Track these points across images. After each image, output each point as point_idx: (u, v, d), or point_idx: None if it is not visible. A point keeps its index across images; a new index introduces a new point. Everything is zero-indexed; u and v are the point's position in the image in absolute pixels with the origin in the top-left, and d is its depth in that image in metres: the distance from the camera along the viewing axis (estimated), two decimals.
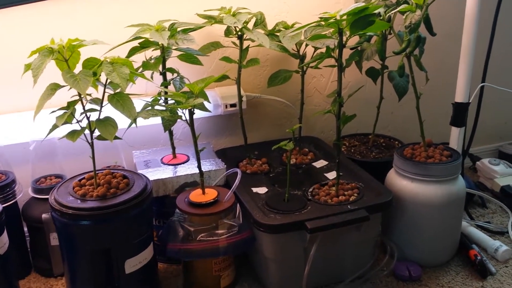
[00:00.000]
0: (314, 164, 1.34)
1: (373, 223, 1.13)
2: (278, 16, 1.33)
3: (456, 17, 1.36)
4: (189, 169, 1.20)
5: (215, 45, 1.25)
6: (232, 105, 1.34)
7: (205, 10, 1.22)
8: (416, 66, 1.24)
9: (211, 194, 1.11)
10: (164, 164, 1.24)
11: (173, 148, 1.25)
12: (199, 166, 1.09)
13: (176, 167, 1.22)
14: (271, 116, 1.49)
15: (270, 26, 1.28)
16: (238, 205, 1.12)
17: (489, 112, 1.67)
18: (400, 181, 1.21)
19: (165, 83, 1.17)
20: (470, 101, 1.34)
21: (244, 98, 1.33)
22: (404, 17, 1.13)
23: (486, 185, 1.62)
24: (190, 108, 1.02)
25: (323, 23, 1.04)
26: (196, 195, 1.11)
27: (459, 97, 1.34)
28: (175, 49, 1.17)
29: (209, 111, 1.11)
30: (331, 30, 1.07)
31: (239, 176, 1.12)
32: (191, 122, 1.05)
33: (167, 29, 1.11)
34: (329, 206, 1.12)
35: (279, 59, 1.42)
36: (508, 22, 1.65)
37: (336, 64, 1.09)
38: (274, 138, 1.45)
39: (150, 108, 1.08)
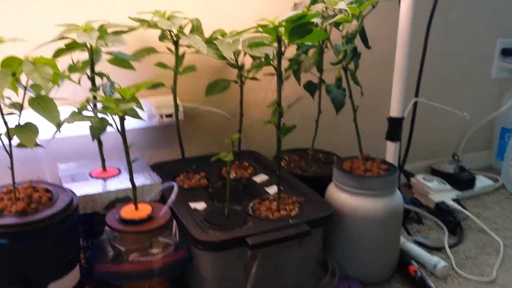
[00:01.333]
0: (254, 178, 1.32)
1: (315, 239, 1.12)
2: (216, 25, 1.31)
3: (390, 34, 1.41)
4: (121, 183, 1.12)
5: (149, 50, 1.20)
6: (168, 116, 1.29)
7: (138, 13, 1.18)
8: (352, 80, 1.26)
9: (144, 210, 1.04)
10: (93, 178, 1.15)
11: (103, 160, 1.17)
12: (131, 179, 1.02)
13: (106, 181, 1.14)
14: (209, 129, 1.46)
15: (207, 35, 1.26)
16: (174, 221, 1.06)
17: (422, 129, 1.75)
18: (339, 195, 1.21)
19: (94, 88, 1.10)
20: (404, 116, 1.39)
21: (181, 108, 1.29)
22: (340, 27, 1.15)
23: (421, 201, 1.67)
24: (120, 114, 0.96)
25: (260, 29, 1.03)
26: (128, 211, 1.04)
27: (394, 112, 1.38)
28: (105, 53, 1.11)
29: (142, 119, 1.06)
30: (270, 38, 1.07)
31: (175, 190, 1.06)
32: (122, 130, 0.98)
33: (96, 30, 1.05)
34: (270, 221, 1.09)
35: (218, 69, 1.39)
36: (439, 38, 1.75)
37: (275, 72, 1.08)
38: (213, 151, 1.40)
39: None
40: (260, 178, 1.32)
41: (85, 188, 1.09)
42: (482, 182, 1.83)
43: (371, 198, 1.18)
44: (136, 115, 1.03)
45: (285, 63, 1.21)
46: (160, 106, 1.29)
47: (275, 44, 1.06)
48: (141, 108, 1.05)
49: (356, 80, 1.26)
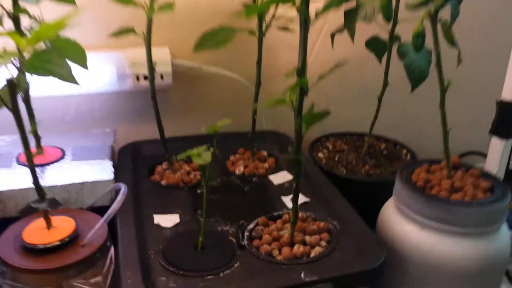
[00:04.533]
0: (272, 177, 0.83)
1: None
2: None
3: None
4: (54, 174, 0.69)
5: None
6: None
7: None
8: (444, 38, 0.70)
9: (61, 229, 0.60)
10: (20, 163, 0.73)
11: (37, 138, 0.74)
12: (33, 175, 0.57)
13: (40, 168, 0.72)
14: (218, 99, 0.96)
15: None
16: (111, 251, 0.62)
17: None
18: (401, 225, 0.69)
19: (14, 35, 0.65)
20: None
21: (167, 68, 0.82)
22: None
23: None
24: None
25: None
26: (34, 231, 0.60)
27: (508, 93, 0.80)
28: None
29: (76, 83, 0.59)
30: None
31: (120, 197, 0.61)
32: (12, 103, 0.53)
33: None
34: (271, 267, 0.60)
35: (231, 12, 0.88)
36: None
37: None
38: (223, 130, 0.93)
39: None
40: (281, 177, 0.82)
41: None
42: None
43: (458, 239, 0.65)
44: (63, 75, 0.57)
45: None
46: (137, 63, 0.82)
47: None
48: (82, 62, 0.59)
49: (451, 37, 0.70)
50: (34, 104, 0.70)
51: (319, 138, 0.98)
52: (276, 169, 0.85)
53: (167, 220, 0.69)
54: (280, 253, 0.63)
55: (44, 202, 0.57)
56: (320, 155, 0.92)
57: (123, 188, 0.63)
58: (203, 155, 0.58)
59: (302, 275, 0.57)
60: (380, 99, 0.87)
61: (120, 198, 0.61)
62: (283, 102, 0.58)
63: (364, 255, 0.62)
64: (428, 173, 0.72)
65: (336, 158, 0.92)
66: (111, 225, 0.64)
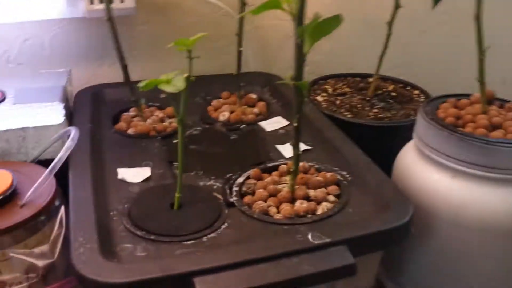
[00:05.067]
0: (263, 123, 0.69)
1: (365, 271, 0.50)
2: None
3: None
4: None
5: None
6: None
7: None
8: None
9: None
10: None
11: None
12: None
13: None
14: (195, 33, 0.81)
15: None
16: (62, 212, 0.48)
17: None
18: (426, 173, 0.56)
19: None
20: None
21: None
22: None
23: None
24: None
25: None
26: None
27: None
28: None
29: None
30: None
31: (69, 144, 0.47)
32: None
33: None
34: (268, 227, 0.47)
35: None
36: None
37: None
38: (201, 72, 0.79)
39: None
40: (275, 124, 0.69)
41: None
42: None
43: (499, 188, 0.52)
44: None
45: None
46: None
47: None
48: None
49: None
50: None
51: (316, 80, 0.84)
52: (268, 115, 0.71)
53: (134, 175, 0.55)
54: (278, 211, 0.50)
55: None
56: (319, 98, 0.78)
57: (74, 132, 0.48)
58: (174, 81, 0.44)
59: (310, 237, 0.44)
60: (390, 26, 0.73)
61: (69, 144, 0.47)
62: (276, 6, 0.44)
63: (384, 211, 0.49)
64: (458, 108, 0.59)
65: (338, 102, 0.78)
66: (64, 182, 0.50)
